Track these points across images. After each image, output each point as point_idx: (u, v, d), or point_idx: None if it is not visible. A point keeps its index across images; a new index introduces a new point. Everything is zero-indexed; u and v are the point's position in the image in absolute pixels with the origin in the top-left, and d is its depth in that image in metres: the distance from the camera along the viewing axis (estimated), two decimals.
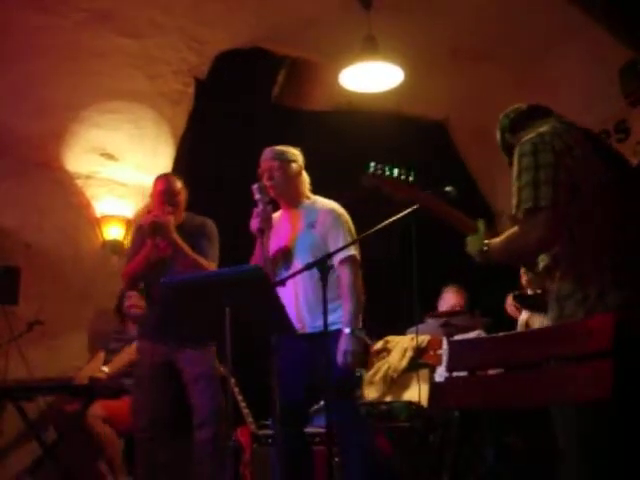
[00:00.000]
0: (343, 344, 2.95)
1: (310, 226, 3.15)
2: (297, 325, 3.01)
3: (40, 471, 4.13)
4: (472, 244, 2.17)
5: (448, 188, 2.59)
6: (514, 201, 1.98)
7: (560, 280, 1.97)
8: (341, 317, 3.02)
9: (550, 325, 2.07)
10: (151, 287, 3.50)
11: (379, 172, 2.24)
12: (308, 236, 3.12)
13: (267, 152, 3.27)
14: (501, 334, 2.10)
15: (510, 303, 3.46)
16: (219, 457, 3.28)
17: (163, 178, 3.58)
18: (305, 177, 3.31)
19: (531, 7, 4.63)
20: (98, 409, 4.07)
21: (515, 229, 2.01)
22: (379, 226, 2.81)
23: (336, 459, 3.59)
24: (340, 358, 2.93)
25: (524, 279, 3.19)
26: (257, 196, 3.08)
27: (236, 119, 5.23)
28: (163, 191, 3.50)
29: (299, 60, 5.32)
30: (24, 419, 4.18)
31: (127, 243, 4.84)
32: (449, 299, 4.53)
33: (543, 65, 5.11)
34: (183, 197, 3.57)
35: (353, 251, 3.06)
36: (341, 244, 3.01)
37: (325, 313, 2.53)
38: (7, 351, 4.34)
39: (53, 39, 4.47)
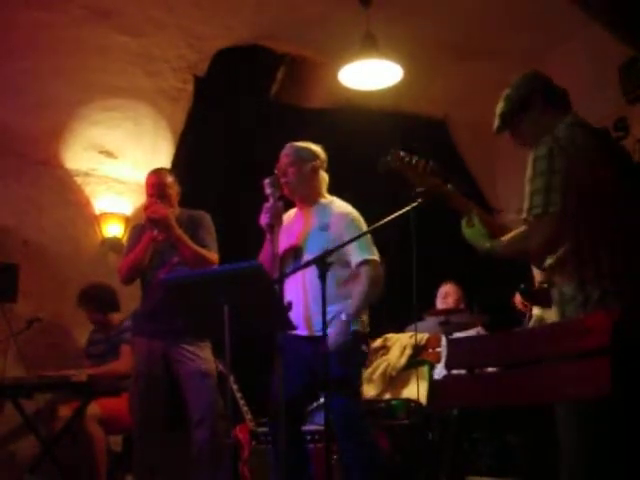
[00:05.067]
0: (332, 329, 2.84)
1: (323, 228, 3.08)
2: (303, 326, 2.98)
3: (39, 469, 4.13)
4: (471, 235, 2.21)
5: (448, 186, 2.60)
6: (525, 204, 2.03)
7: (563, 283, 2.02)
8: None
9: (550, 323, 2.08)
10: (146, 281, 3.49)
11: (399, 160, 2.30)
12: (320, 237, 3.04)
13: (286, 148, 3.21)
14: (500, 332, 2.11)
15: (520, 300, 3.46)
16: (217, 455, 3.27)
17: (153, 172, 3.61)
18: (323, 176, 3.23)
19: (531, 4, 4.63)
20: (95, 409, 4.06)
21: (522, 229, 2.07)
22: (379, 223, 2.80)
23: (335, 457, 3.60)
24: (330, 341, 2.81)
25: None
26: (268, 191, 2.97)
27: (235, 116, 5.22)
28: (153, 184, 3.51)
29: (298, 58, 5.32)
30: (23, 417, 4.18)
31: (126, 241, 4.84)
32: (444, 294, 4.55)
33: (543, 63, 5.09)
34: (174, 191, 3.55)
35: (372, 255, 3.02)
36: (356, 248, 2.97)
37: (324, 313, 2.51)
38: (6, 348, 4.34)
39: (52, 36, 4.47)
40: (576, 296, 1.97)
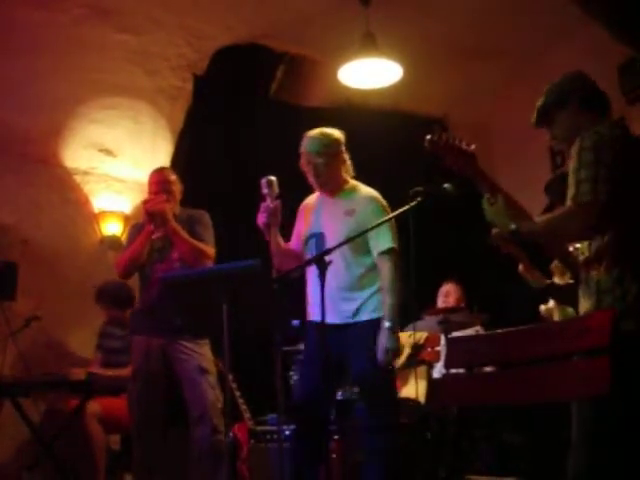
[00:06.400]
0: (383, 341, 2.88)
1: (348, 213, 3.04)
2: (319, 314, 2.97)
3: (38, 467, 4.12)
4: (492, 213, 2.15)
5: (446, 185, 2.60)
6: (571, 192, 2.02)
7: (601, 274, 2.02)
8: (374, 307, 2.98)
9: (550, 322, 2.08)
10: (144, 276, 3.49)
11: (442, 137, 2.32)
12: (346, 223, 3.01)
13: (310, 144, 3.10)
14: (499, 331, 2.10)
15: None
16: (217, 452, 3.27)
17: (157, 170, 3.65)
18: (347, 162, 3.17)
19: (530, 4, 4.63)
20: (96, 406, 4.05)
21: (563, 209, 2.05)
22: (378, 222, 2.80)
23: (334, 455, 3.61)
24: (380, 355, 2.87)
25: (520, 267, 3.21)
26: (265, 190, 2.94)
27: (234, 115, 5.22)
28: (157, 181, 3.55)
29: (298, 56, 5.32)
30: (21, 415, 4.17)
31: (125, 239, 4.83)
32: (445, 293, 4.55)
33: (542, 62, 5.11)
34: (177, 188, 3.58)
35: (394, 243, 2.99)
36: (382, 235, 2.95)
37: (323, 308, 2.51)
38: (4, 347, 4.34)
39: (52, 35, 4.47)
40: (614, 289, 1.98)
